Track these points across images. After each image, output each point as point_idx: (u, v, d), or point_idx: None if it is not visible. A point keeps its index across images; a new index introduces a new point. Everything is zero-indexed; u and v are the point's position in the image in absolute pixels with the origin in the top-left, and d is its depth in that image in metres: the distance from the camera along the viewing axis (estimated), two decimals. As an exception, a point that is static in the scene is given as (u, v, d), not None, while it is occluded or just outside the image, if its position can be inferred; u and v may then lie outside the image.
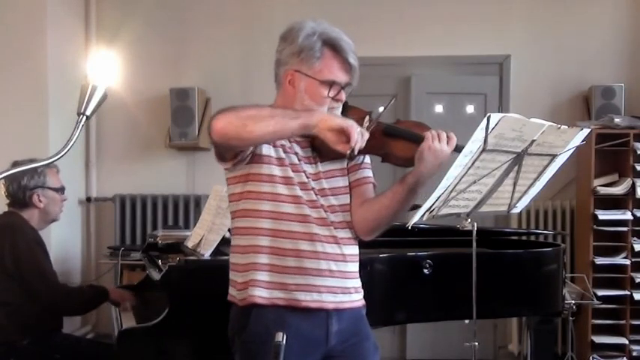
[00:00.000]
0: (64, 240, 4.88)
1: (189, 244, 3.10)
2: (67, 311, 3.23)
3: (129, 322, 2.92)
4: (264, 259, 1.94)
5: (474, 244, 2.39)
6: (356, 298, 2.05)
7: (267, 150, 1.95)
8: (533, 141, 1.94)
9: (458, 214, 2.14)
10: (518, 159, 1.99)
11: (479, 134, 1.81)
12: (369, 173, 2.09)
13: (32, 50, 4.65)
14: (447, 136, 1.87)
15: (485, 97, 5.04)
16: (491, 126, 1.79)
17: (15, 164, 2.72)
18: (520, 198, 2.19)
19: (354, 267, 2.05)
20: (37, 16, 4.66)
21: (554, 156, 2.07)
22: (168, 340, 2.60)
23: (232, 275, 2.03)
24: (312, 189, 1.97)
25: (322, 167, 2.01)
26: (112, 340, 2.89)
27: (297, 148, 2.00)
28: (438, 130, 1.88)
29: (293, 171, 1.96)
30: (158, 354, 2.63)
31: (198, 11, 5.17)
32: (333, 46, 1.96)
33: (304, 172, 1.98)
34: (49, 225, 3.28)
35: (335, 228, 1.98)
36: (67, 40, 4.94)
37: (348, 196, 2.02)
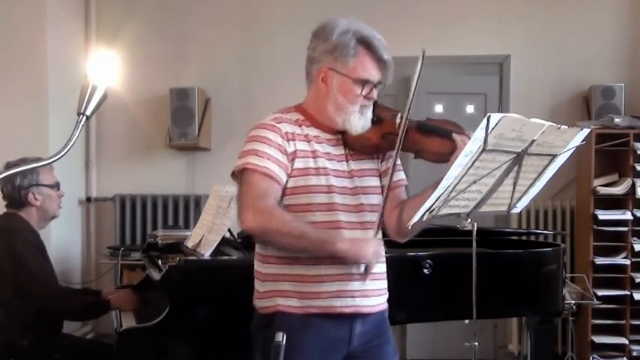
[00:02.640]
0: (64, 240, 4.88)
1: (189, 244, 3.09)
2: (63, 317, 3.21)
3: (129, 322, 2.91)
4: (293, 269, 1.93)
5: (474, 244, 2.38)
6: (383, 301, 2.06)
7: (304, 162, 1.94)
8: (533, 141, 1.94)
9: (458, 214, 2.14)
10: (518, 159, 1.98)
11: (479, 134, 1.80)
12: (401, 175, 2.10)
13: (32, 50, 4.65)
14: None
15: (485, 97, 5.04)
16: (491, 126, 1.79)
17: (8, 165, 2.72)
18: (520, 198, 2.18)
19: (382, 267, 2.06)
20: (37, 16, 4.66)
21: (554, 156, 2.07)
22: (168, 340, 2.60)
23: (255, 283, 2.04)
24: (346, 190, 1.97)
25: (355, 166, 2.02)
26: (112, 340, 2.89)
27: (329, 148, 1.99)
28: (464, 135, 1.90)
29: (334, 176, 1.96)
30: (158, 354, 2.63)
31: (198, 11, 5.17)
32: (367, 44, 1.97)
33: (342, 172, 1.98)
34: (49, 222, 3.27)
35: (364, 229, 1.96)
36: (67, 40, 4.94)
37: (379, 196, 2.01)
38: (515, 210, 2.23)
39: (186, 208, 5.06)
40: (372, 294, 2.00)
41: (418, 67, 1.92)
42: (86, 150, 5.22)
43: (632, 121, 4.51)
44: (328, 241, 1.85)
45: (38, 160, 2.53)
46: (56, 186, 3.20)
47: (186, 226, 4.76)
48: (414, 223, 1.92)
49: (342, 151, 2.01)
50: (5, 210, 3.16)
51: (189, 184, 5.17)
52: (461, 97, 5.05)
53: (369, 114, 2.01)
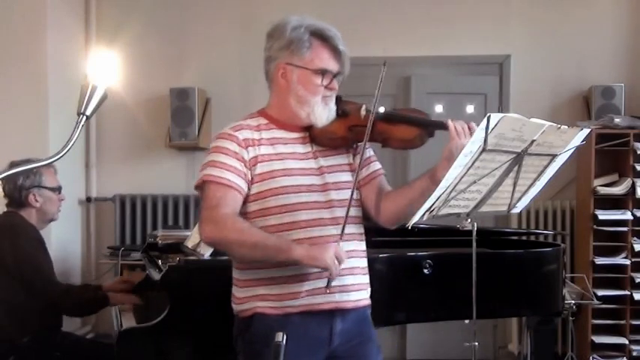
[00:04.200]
0: (64, 240, 4.88)
1: (189, 244, 3.09)
2: (66, 311, 3.23)
3: (129, 322, 2.91)
4: (268, 272, 1.94)
5: (474, 244, 2.38)
6: (364, 296, 2.05)
7: (269, 166, 1.95)
8: (533, 141, 1.94)
9: (458, 214, 2.14)
10: (518, 159, 1.99)
11: (479, 134, 1.81)
12: (378, 165, 2.11)
13: (32, 50, 4.65)
14: (469, 128, 1.89)
15: (485, 97, 5.04)
16: (491, 126, 1.79)
17: (12, 164, 2.73)
18: (520, 198, 2.19)
19: (361, 262, 2.05)
20: (37, 16, 4.66)
21: (554, 156, 2.07)
22: (168, 340, 2.60)
23: (233, 289, 2.05)
24: (315, 187, 1.97)
25: (325, 162, 2.02)
26: (112, 340, 2.89)
27: (295, 147, 2.01)
28: (457, 125, 1.90)
29: (302, 175, 1.97)
30: (158, 354, 2.63)
31: (198, 11, 5.17)
32: (321, 36, 1.99)
33: (309, 170, 1.99)
34: (47, 225, 3.28)
35: (336, 225, 1.96)
36: (67, 40, 4.94)
37: (351, 191, 2.00)
38: (515, 210, 2.23)
39: (186, 208, 5.06)
40: (351, 289, 1.99)
41: (380, 78, 1.92)
42: (86, 150, 5.21)
43: (632, 121, 4.51)
44: (283, 249, 1.86)
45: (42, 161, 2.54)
46: (58, 189, 3.21)
47: (186, 226, 4.76)
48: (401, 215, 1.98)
49: (309, 149, 2.02)
50: (6, 209, 3.17)
51: (189, 184, 5.15)
52: (461, 97, 5.05)
53: (333, 105, 2.02)
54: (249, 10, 5.13)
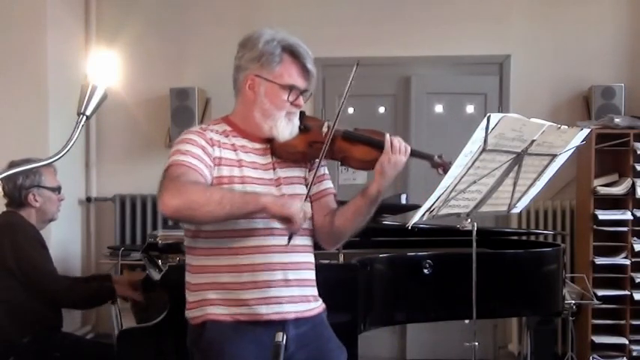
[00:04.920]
0: (64, 240, 4.88)
1: (190, 244, 3.09)
2: (71, 304, 3.24)
3: (129, 322, 2.91)
4: (219, 277, 1.95)
5: (474, 244, 2.38)
6: (314, 306, 2.05)
7: (229, 171, 1.95)
8: (533, 141, 1.95)
9: (458, 214, 2.14)
10: (518, 159, 1.99)
11: (479, 134, 1.81)
12: (329, 184, 2.13)
13: (32, 50, 4.65)
14: (404, 147, 1.91)
15: (485, 97, 5.04)
16: (491, 126, 1.80)
17: (11, 164, 2.73)
18: (520, 198, 2.19)
19: (311, 274, 2.06)
20: (37, 16, 4.66)
21: (554, 156, 2.07)
22: (169, 340, 2.60)
23: (186, 294, 2.05)
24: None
25: (282, 173, 2.03)
26: (112, 340, 2.89)
27: (255, 157, 2.02)
28: (393, 139, 1.92)
29: (259, 185, 1.97)
30: (158, 354, 2.63)
31: (198, 11, 5.17)
32: (292, 52, 2.00)
33: (268, 181, 1.99)
34: (47, 225, 3.28)
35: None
36: (67, 40, 4.94)
37: (307, 204, 2.00)
38: (515, 210, 2.24)
39: (186, 208, 5.05)
40: (299, 300, 1.99)
41: (351, 77, 1.95)
42: (86, 150, 5.21)
43: (632, 121, 4.51)
44: (250, 199, 1.84)
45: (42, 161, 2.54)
46: (57, 189, 3.21)
47: (187, 226, 4.75)
48: (348, 228, 2.00)
49: (269, 160, 2.03)
50: (5, 209, 3.17)
51: (189, 184, 5.16)
52: (461, 97, 5.05)
53: (296, 121, 2.04)
54: (249, 11, 5.13)
